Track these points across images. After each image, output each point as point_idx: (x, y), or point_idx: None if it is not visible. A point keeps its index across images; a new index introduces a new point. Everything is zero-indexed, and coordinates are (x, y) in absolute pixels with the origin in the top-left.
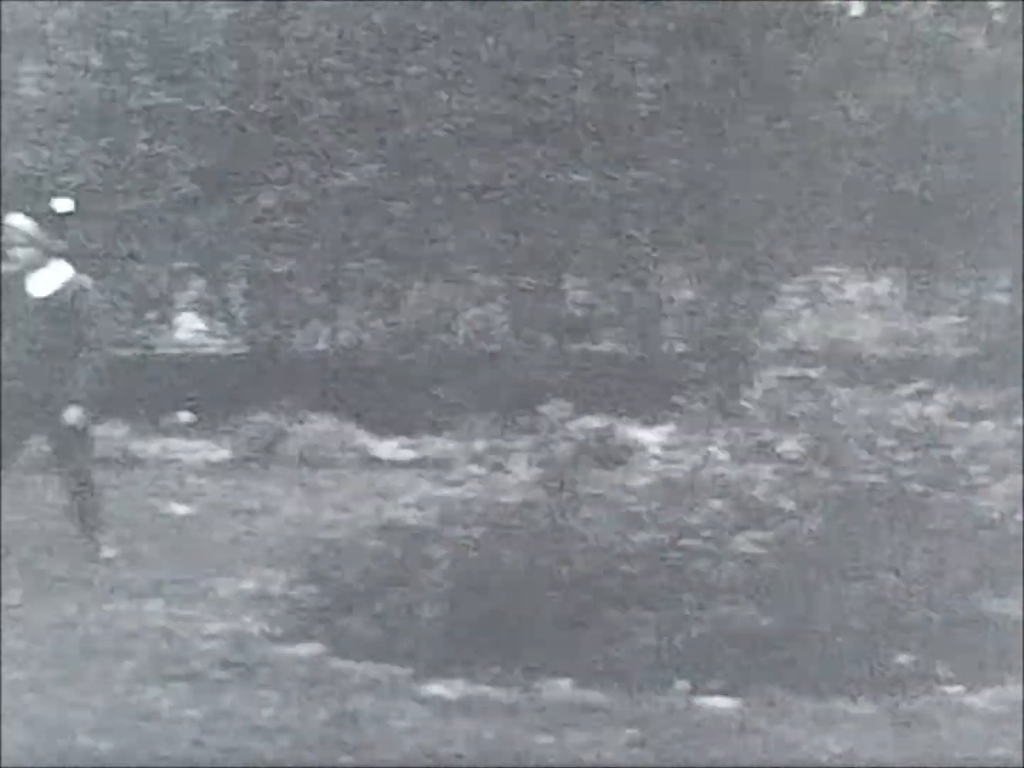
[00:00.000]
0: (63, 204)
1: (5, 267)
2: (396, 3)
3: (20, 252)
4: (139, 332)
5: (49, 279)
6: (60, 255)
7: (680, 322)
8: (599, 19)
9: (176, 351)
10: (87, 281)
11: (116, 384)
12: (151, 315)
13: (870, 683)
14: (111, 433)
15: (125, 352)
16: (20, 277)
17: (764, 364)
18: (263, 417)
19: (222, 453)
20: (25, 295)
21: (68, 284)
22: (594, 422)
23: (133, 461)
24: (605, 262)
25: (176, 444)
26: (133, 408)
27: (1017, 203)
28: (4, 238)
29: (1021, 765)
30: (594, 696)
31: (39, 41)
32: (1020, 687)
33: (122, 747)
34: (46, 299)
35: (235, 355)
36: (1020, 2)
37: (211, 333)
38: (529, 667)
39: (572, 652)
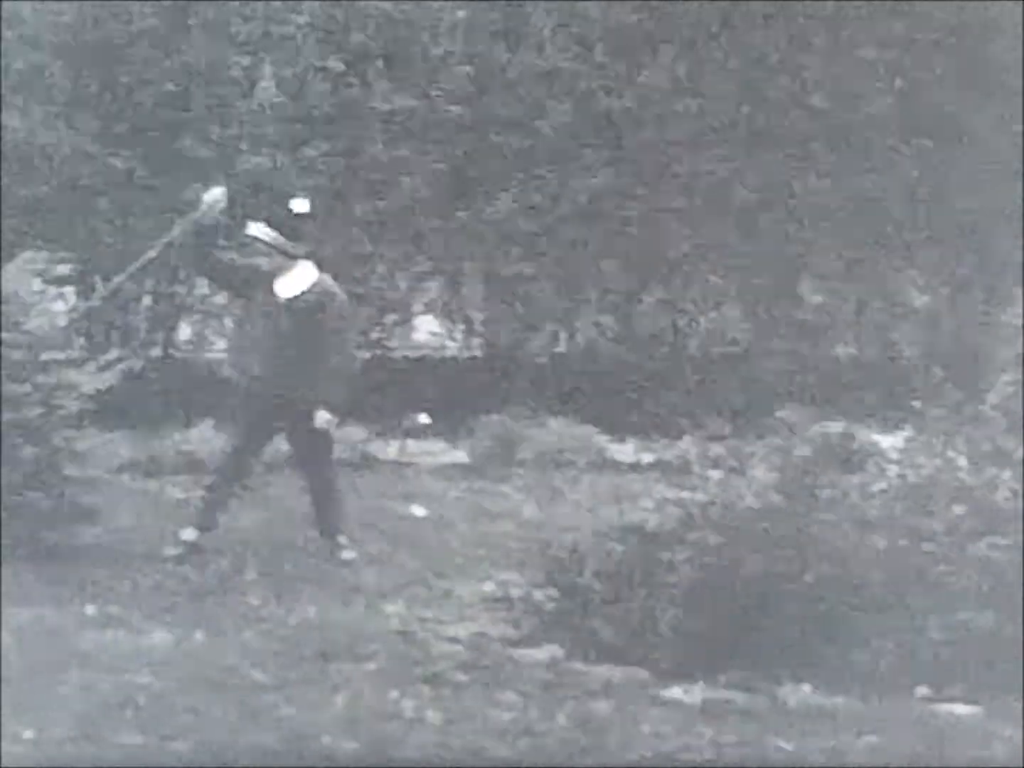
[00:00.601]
0: (300, 204)
1: (253, 272)
2: (631, 5)
3: (264, 261)
4: (377, 334)
5: (296, 281)
6: (303, 257)
7: (917, 326)
8: (835, 22)
9: (414, 353)
10: (333, 283)
11: (356, 385)
12: (389, 317)
13: None
14: (350, 435)
15: (364, 354)
16: (268, 279)
17: (1003, 369)
18: (500, 419)
19: (460, 455)
20: (273, 296)
21: (314, 286)
22: (832, 426)
23: (372, 463)
24: (841, 265)
25: (414, 446)
26: (371, 410)
27: None
28: (248, 248)
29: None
30: (834, 701)
31: (277, 44)
32: None
33: (364, 748)
34: (293, 300)
35: (472, 357)
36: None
37: (448, 336)
38: (769, 672)
39: (812, 657)
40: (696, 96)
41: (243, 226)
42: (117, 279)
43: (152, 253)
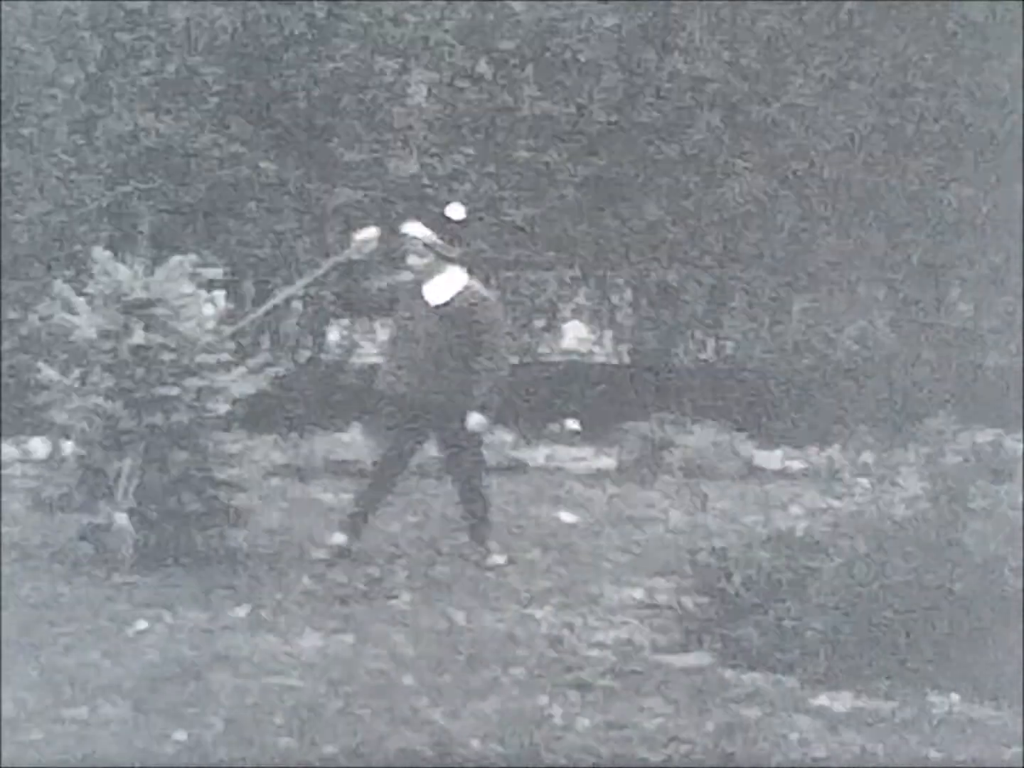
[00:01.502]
0: (456, 211)
1: (403, 275)
2: (780, 10)
3: (417, 260)
4: (526, 339)
5: (446, 286)
6: (455, 261)
7: None
8: (984, 27)
9: (562, 359)
10: (483, 288)
11: (506, 390)
12: (538, 322)
13: None
14: (498, 440)
15: (512, 359)
16: (418, 284)
17: None
18: (648, 426)
19: (607, 461)
20: (423, 302)
21: (464, 290)
22: (981, 435)
23: (520, 469)
24: (990, 273)
25: (562, 452)
26: (519, 415)
27: None
28: (403, 246)
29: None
30: (983, 711)
31: (427, 49)
32: None
33: (513, 753)
34: (443, 305)
35: (620, 364)
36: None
37: (596, 342)
38: (917, 681)
39: (960, 666)
40: (844, 103)
41: (393, 258)
42: (261, 309)
43: (297, 290)
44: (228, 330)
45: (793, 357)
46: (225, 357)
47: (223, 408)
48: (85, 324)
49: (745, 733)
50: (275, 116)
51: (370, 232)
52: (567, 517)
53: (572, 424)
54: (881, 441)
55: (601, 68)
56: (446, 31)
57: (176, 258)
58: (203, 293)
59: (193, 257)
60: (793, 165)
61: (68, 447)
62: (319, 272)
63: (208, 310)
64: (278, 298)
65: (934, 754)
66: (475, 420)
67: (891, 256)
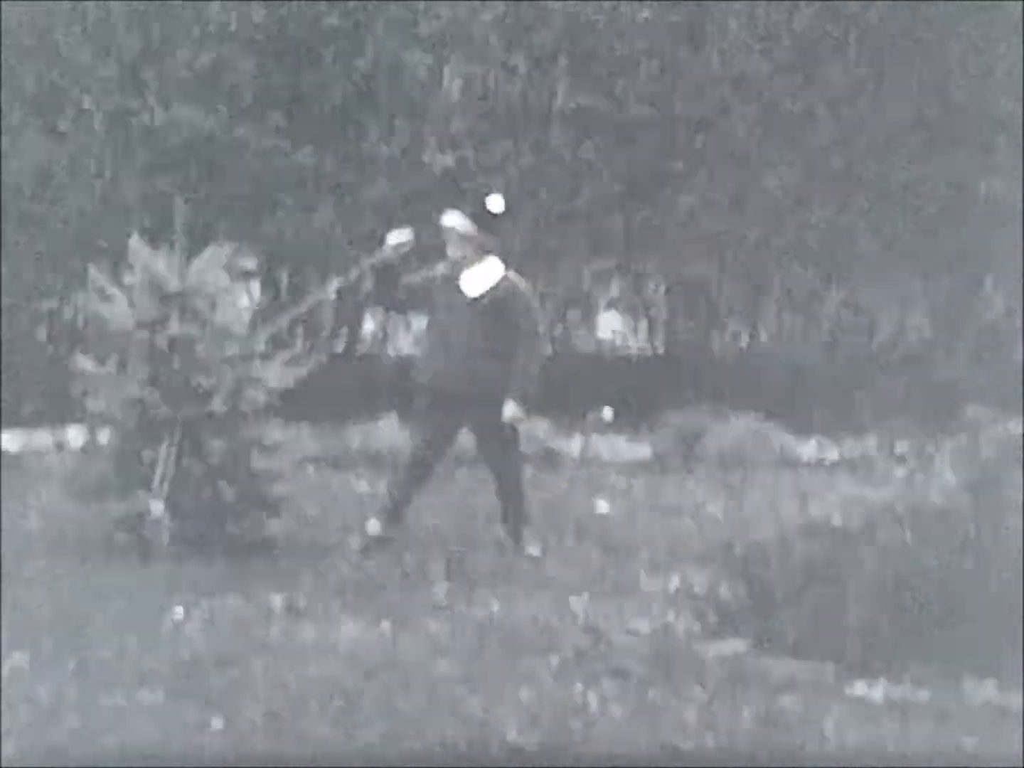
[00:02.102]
0: (496, 203)
1: (440, 267)
2: (817, 7)
3: (455, 251)
4: (561, 330)
5: (483, 277)
6: (492, 253)
7: None
8: (1021, 20)
9: (596, 350)
10: (519, 279)
11: (542, 381)
12: (573, 314)
13: None
14: (534, 431)
15: (548, 350)
16: (454, 276)
17: None
18: (683, 416)
19: (643, 451)
20: (460, 293)
21: (501, 281)
22: (1016, 427)
23: (556, 459)
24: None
25: (597, 442)
26: (555, 405)
27: None
28: (441, 237)
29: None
30: (1018, 699)
31: (462, 43)
32: None
33: (548, 742)
34: (480, 297)
35: (655, 354)
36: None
37: (631, 332)
38: (953, 669)
39: (996, 655)
40: (879, 97)
41: (427, 258)
42: (295, 310)
43: (329, 294)
44: (264, 332)
45: (829, 348)
46: (261, 348)
47: (260, 398)
48: (122, 314)
49: (781, 721)
50: (311, 109)
51: (404, 233)
52: (603, 507)
53: (608, 414)
54: (916, 431)
55: (637, 62)
56: (482, 25)
57: (211, 248)
58: (239, 284)
59: (228, 248)
60: (829, 158)
61: (105, 436)
62: (353, 275)
63: (244, 301)
64: (310, 301)
65: (969, 742)
66: (510, 410)
67: (927, 248)
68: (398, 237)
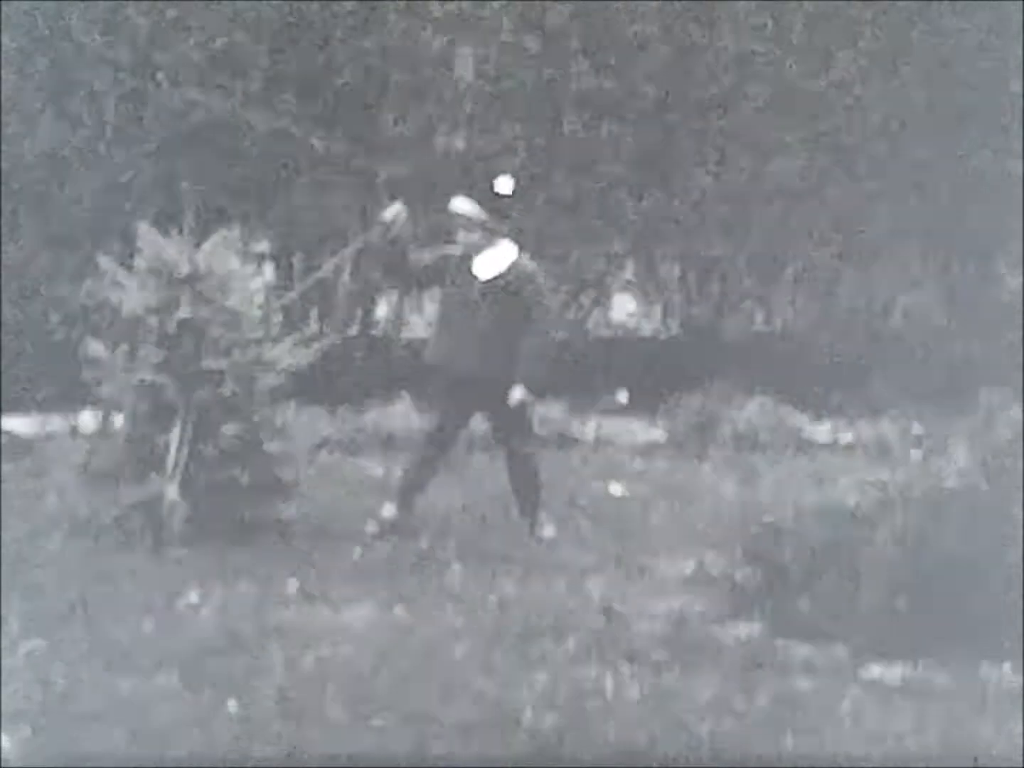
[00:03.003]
0: (504, 184)
1: (451, 250)
2: None
3: (466, 236)
4: (574, 313)
5: (495, 260)
6: (504, 236)
7: None
8: None
9: (610, 332)
10: (531, 263)
11: (553, 364)
12: (586, 297)
13: None
14: (548, 413)
15: (561, 333)
16: (467, 259)
17: None
18: (697, 399)
19: (657, 434)
20: (472, 276)
21: (513, 265)
22: None
23: (570, 441)
24: None
25: (612, 425)
26: (569, 388)
27: None
28: (452, 222)
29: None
30: None
31: (474, 24)
32: None
33: (564, 724)
34: (492, 280)
35: (669, 337)
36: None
37: (645, 315)
38: (969, 651)
39: (1012, 638)
40: (892, 77)
41: (436, 234)
42: (299, 287)
43: (326, 273)
44: (276, 303)
45: (843, 330)
46: (274, 330)
47: (273, 381)
48: (132, 299)
49: (796, 704)
50: (323, 91)
51: (395, 208)
52: (617, 490)
53: (622, 397)
54: (931, 413)
55: (649, 43)
56: (494, 7)
57: (221, 232)
58: (251, 267)
59: (237, 230)
60: (842, 140)
61: (118, 421)
62: (348, 251)
63: (256, 283)
64: (312, 279)
65: (985, 724)
66: (517, 393)
67: (941, 230)
68: (389, 212)
